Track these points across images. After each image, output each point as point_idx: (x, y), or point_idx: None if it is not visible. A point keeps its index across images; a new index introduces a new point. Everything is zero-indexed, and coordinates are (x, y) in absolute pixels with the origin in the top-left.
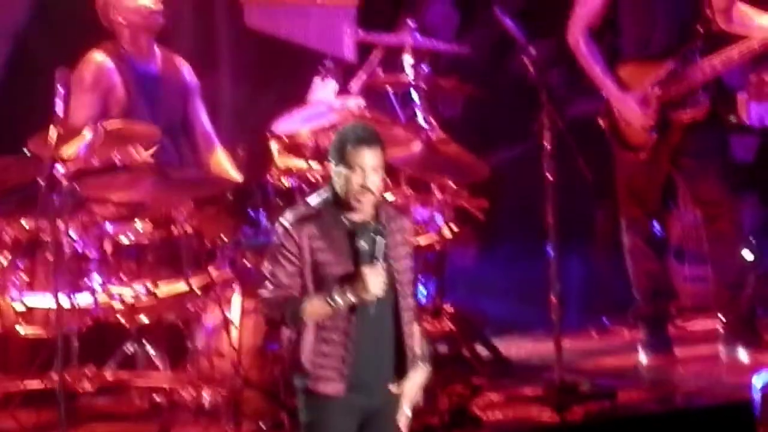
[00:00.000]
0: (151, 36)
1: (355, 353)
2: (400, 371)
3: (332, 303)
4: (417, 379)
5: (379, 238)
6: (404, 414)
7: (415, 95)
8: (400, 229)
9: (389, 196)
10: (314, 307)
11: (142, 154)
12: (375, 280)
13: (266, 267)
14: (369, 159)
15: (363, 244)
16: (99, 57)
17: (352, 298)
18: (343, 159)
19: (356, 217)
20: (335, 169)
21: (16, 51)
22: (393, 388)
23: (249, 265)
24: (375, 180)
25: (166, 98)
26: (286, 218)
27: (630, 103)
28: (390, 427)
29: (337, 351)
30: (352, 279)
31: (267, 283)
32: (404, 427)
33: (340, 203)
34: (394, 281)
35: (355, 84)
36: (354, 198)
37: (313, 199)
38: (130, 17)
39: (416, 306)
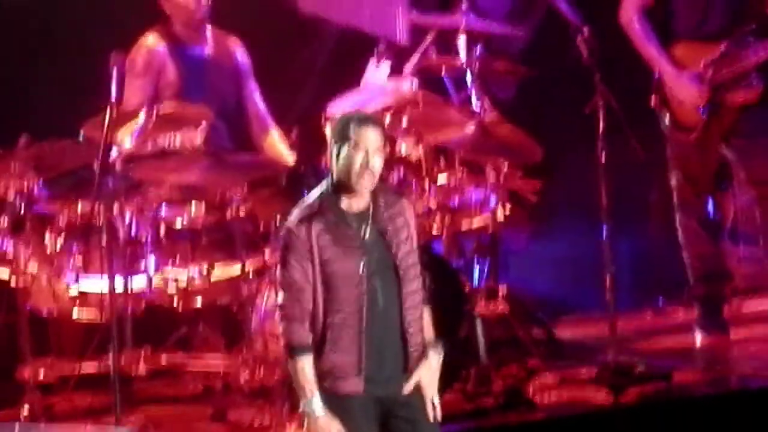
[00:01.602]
0: (202, 20)
1: (367, 347)
2: (410, 360)
3: (303, 406)
4: (431, 365)
5: None
6: (431, 403)
7: (468, 77)
8: (400, 212)
9: (443, 178)
10: (297, 376)
11: (194, 140)
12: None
13: (280, 275)
14: (373, 138)
15: (372, 231)
16: (150, 40)
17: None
18: (347, 138)
19: (355, 205)
20: (337, 152)
21: (73, 34)
22: (405, 387)
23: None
24: (377, 162)
25: (218, 80)
26: (291, 220)
27: (684, 80)
28: (419, 417)
29: (350, 348)
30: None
31: (282, 291)
32: (434, 415)
33: (339, 190)
34: (397, 268)
35: (409, 67)
36: (356, 179)
37: (313, 195)
38: (174, 9)
39: (423, 286)
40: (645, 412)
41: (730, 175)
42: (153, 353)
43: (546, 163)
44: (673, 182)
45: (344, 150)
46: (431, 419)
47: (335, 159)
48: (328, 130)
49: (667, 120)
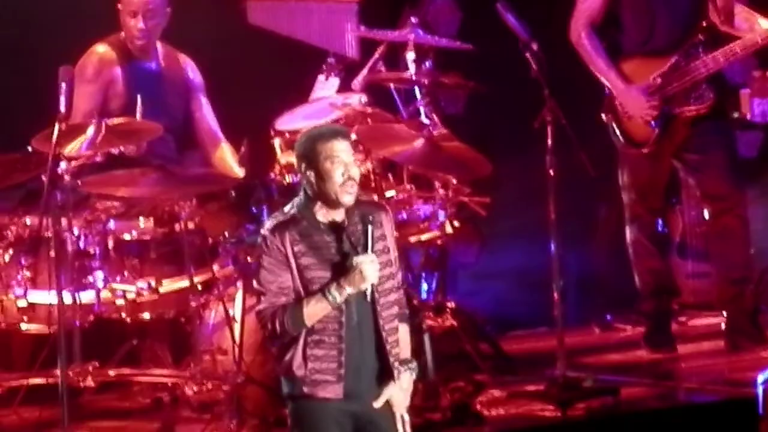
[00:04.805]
0: (145, 46)
1: (346, 359)
2: (384, 376)
3: (330, 299)
4: (403, 384)
5: (370, 227)
6: (401, 420)
7: (417, 92)
8: (376, 223)
9: (391, 193)
10: (313, 309)
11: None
12: (370, 268)
13: (256, 281)
14: (347, 150)
15: (346, 243)
16: (101, 49)
17: (350, 291)
18: (320, 155)
19: (330, 216)
20: (314, 170)
21: (21, 46)
22: (375, 402)
23: (251, 262)
24: (356, 172)
25: (167, 96)
26: (266, 228)
27: (634, 94)
28: None
29: (330, 353)
30: (345, 272)
31: (261, 297)
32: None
33: (319, 203)
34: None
35: (358, 81)
36: (341, 192)
37: (288, 207)
38: (124, 27)
39: (402, 303)
40: (593, 426)
41: (678, 191)
42: (101, 366)
43: (495, 178)
44: (624, 197)
45: (322, 167)
46: None
47: (313, 177)
48: (297, 149)
49: (618, 134)
